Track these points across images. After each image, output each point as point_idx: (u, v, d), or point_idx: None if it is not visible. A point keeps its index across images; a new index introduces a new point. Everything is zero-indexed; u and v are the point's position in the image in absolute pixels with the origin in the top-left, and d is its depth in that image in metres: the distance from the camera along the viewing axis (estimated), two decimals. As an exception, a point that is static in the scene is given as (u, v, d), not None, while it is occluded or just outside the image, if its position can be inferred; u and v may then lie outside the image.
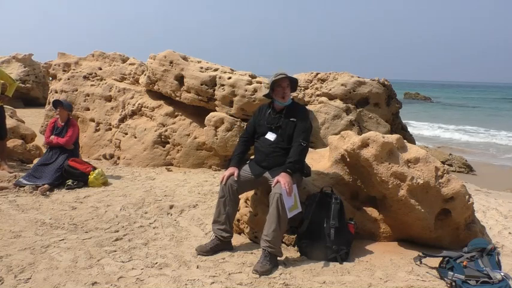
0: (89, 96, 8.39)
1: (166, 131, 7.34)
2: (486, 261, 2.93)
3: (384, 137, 3.51)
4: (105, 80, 8.49)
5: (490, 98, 56.75)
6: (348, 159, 3.74)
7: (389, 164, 3.46)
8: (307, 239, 3.38)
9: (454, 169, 10.03)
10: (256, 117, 3.63)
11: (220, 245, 3.42)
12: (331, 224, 3.31)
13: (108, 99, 8.24)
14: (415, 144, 6.72)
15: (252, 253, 3.43)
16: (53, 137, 5.68)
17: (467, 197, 3.46)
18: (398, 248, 3.62)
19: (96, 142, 8.08)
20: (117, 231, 3.87)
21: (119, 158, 7.56)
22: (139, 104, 7.79)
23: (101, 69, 8.69)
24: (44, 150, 6.27)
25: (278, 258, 3.23)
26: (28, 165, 6.53)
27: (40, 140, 7.23)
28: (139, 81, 8.14)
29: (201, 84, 7.12)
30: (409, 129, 8.89)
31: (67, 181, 5.39)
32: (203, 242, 3.58)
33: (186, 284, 2.84)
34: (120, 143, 7.62)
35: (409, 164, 3.50)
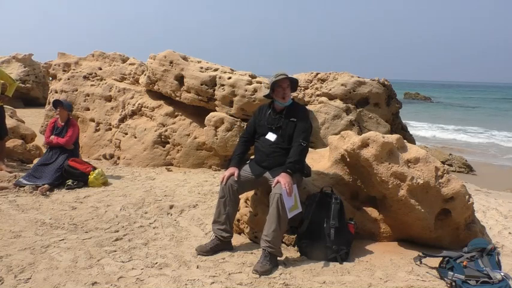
0: (89, 96, 8.39)
1: (166, 131, 7.34)
2: (486, 261, 2.93)
3: (383, 137, 3.51)
4: (105, 80, 8.49)
5: (490, 98, 56.75)
6: (348, 159, 3.74)
7: (389, 164, 3.46)
8: (307, 239, 3.38)
9: (454, 169, 10.04)
10: (257, 118, 3.63)
11: (220, 245, 3.43)
12: (331, 224, 3.31)
13: (108, 99, 8.24)
14: (415, 144, 6.72)
15: (252, 253, 3.43)
16: (53, 137, 5.68)
17: (467, 197, 3.46)
18: (398, 248, 3.62)
19: (96, 142, 8.08)
20: (117, 231, 3.87)
21: (119, 158, 7.56)
22: (139, 104, 7.79)
23: (101, 69, 8.70)
24: (44, 150, 6.27)
25: (278, 258, 3.23)
26: (28, 165, 6.53)
27: (40, 140, 7.23)
28: (139, 81, 8.15)
29: (201, 84, 7.12)
30: (409, 129, 8.89)
31: (67, 181, 5.39)
32: (203, 242, 3.58)
33: (186, 284, 2.84)
34: (120, 143, 7.62)
35: (409, 164, 3.50)
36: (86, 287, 2.76)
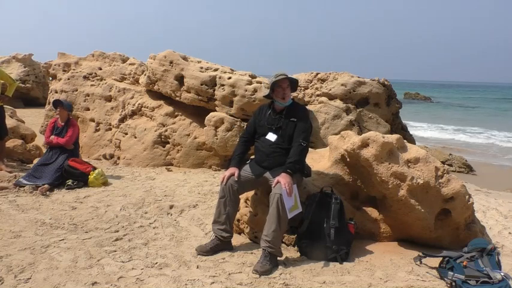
0: (89, 96, 8.39)
1: (166, 131, 7.34)
2: (486, 261, 2.93)
3: (383, 137, 3.51)
4: (105, 80, 8.49)
5: (490, 98, 56.75)
6: (348, 159, 3.74)
7: (389, 164, 3.46)
8: (307, 239, 3.38)
9: (454, 169, 10.04)
10: (257, 118, 3.63)
11: (220, 245, 3.43)
12: (331, 224, 3.31)
13: (108, 99, 8.24)
14: (415, 144, 6.72)
15: (252, 253, 3.43)
16: (53, 137, 5.68)
17: (467, 197, 3.46)
18: (398, 248, 3.62)
19: (96, 142, 8.08)
20: (117, 231, 3.87)
21: (119, 158, 7.56)
22: (139, 104, 7.79)
23: (101, 69, 8.70)
24: (44, 150, 6.27)
25: (278, 258, 3.23)
26: (28, 165, 6.53)
27: (40, 140, 7.23)
28: (139, 81, 8.15)
29: (201, 84, 7.12)
30: (409, 129, 8.89)
31: (67, 181, 5.39)
32: (203, 242, 3.58)
33: (186, 284, 2.84)
34: (120, 143, 7.62)
35: (409, 164, 3.50)
36: (86, 287, 2.76)
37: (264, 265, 3.07)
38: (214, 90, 7.13)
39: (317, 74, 7.84)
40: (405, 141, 3.71)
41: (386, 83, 7.82)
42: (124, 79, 8.50)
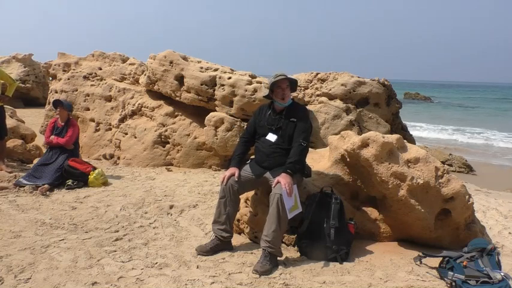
0: (89, 96, 8.39)
1: (166, 131, 7.34)
2: (486, 261, 2.93)
3: (383, 137, 3.51)
4: (105, 80, 8.49)
5: (490, 98, 56.74)
6: (348, 159, 3.74)
7: (389, 164, 3.46)
8: (307, 239, 3.38)
9: (454, 169, 10.04)
10: (257, 118, 3.63)
11: (220, 245, 3.43)
12: (331, 224, 3.31)
13: (108, 99, 8.24)
14: (415, 144, 6.72)
15: (252, 253, 3.43)
16: (53, 137, 5.68)
17: (467, 197, 3.46)
18: (398, 248, 3.62)
19: (96, 142, 8.08)
20: (117, 231, 3.87)
21: (119, 158, 7.56)
22: (139, 104, 7.79)
23: (101, 69, 8.70)
24: (44, 150, 6.27)
25: (278, 258, 3.23)
26: (28, 165, 6.53)
27: (40, 140, 7.23)
28: (139, 81, 8.15)
29: (201, 84, 7.12)
30: (409, 129, 8.89)
31: (67, 181, 5.39)
32: (203, 242, 3.58)
33: (186, 284, 2.84)
34: (120, 143, 7.62)
35: (409, 164, 3.50)
36: (86, 287, 2.76)
37: (264, 265, 3.07)
38: (214, 90, 7.13)
39: (317, 74, 7.84)
40: (405, 141, 3.71)
41: (386, 83, 7.82)
42: (124, 79, 8.50)
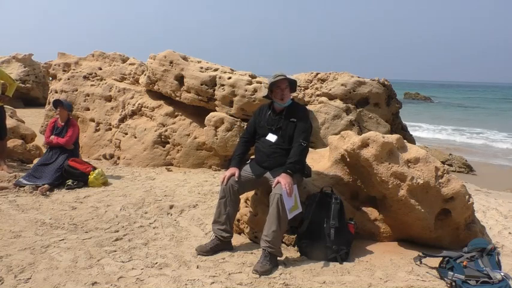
0: (89, 96, 8.39)
1: (166, 131, 7.34)
2: (486, 261, 2.93)
3: (383, 137, 3.51)
4: (105, 80, 8.49)
5: (490, 98, 56.75)
6: (348, 159, 3.74)
7: (389, 164, 3.46)
8: (307, 239, 3.38)
9: (454, 169, 10.04)
10: (257, 118, 3.63)
11: (220, 245, 3.43)
12: (331, 224, 3.31)
13: (108, 99, 8.24)
14: (415, 144, 6.72)
15: (252, 253, 3.43)
16: (53, 137, 5.68)
17: (467, 197, 3.46)
18: (398, 248, 3.62)
19: (96, 142, 8.08)
20: (117, 231, 3.87)
21: (119, 158, 7.56)
22: (139, 104, 7.79)
23: (101, 69, 8.70)
24: (44, 150, 6.27)
25: (278, 258, 3.23)
26: (28, 165, 6.53)
27: (40, 140, 7.23)
28: (139, 81, 8.15)
29: (201, 84, 7.12)
30: (409, 129, 8.89)
31: (67, 181, 5.39)
32: (203, 242, 3.58)
33: (186, 284, 2.84)
34: (120, 143, 7.62)
35: (409, 164, 3.50)
36: (86, 287, 2.76)
37: (264, 265, 3.07)
38: (214, 90, 7.13)
39: (317, 74, 7.84)
40: (405, 141, 3.71)
41: (386, 83, 7.82)
42: (124, 79, 8.50)
